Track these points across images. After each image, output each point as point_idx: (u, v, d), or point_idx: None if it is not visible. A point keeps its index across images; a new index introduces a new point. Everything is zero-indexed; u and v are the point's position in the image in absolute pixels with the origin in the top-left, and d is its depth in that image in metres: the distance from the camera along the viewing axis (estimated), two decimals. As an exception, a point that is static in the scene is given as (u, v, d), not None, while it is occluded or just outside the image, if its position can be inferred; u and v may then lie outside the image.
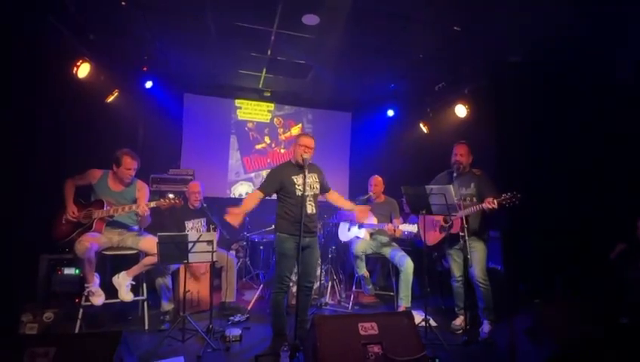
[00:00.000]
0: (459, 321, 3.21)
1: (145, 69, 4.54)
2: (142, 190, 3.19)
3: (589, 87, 3.19)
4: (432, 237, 3.34)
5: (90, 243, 2.80)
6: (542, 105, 3.62)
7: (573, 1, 2.73)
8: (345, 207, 3.11)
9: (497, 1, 2.93)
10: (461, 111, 4.34)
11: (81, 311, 2.91)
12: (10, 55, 2.86)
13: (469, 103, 4.30)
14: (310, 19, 3.33)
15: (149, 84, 4.65)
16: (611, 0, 2.72)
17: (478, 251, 3.07)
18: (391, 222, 3.76)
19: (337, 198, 3.06)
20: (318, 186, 2.86)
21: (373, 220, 3.81)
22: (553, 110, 3.52)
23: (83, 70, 3.57)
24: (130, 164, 3.06)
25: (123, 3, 3.14)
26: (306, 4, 3.11)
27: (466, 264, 2.89)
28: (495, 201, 2.80)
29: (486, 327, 3.04)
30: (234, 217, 2.61)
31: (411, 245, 4.21)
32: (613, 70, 3.01)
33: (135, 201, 3.12)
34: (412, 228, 3.50)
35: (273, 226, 2.92)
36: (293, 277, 3.20)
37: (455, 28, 3.39)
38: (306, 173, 2.65)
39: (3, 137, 2.89)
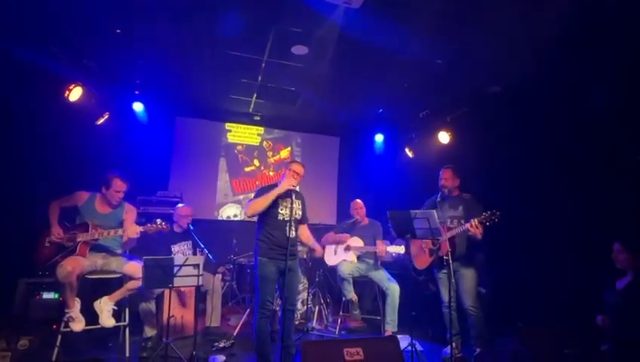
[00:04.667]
0: (449, 349, 3.11)
1: (137, 92, 4.61)
2: (129, 213, 3.19)
3: (564, 114, 3.40)
4: (422, 261, 3.38)
5: (72, 267, 2.75)
6: (519, 132, 3.82)
7: (549, 39, 2.96)
8: (308, 243, 3.10)
9: (477, 38, 3.14)
10: (444, 138, 4.52)
11: (59, 337, 2.81)
12: (8, 78, 2.92)
13: (452, 130, 4.48)
14: (299, 50, 3.50)
15: (137, 106, 4.70)
16: (583, 41, 2.96)
17: (467, 278, 3.10)
18: (374, 244, 3.81)
19: (305, 233, 3.04)
20: (300, 213, 2.90)
21: (359, 243, 3.85)
22: (530, 136, 3.71)
23: (75, 94, 3.61)
24: (120, 187, 3.06)
25: (118, 31, 3.24)
26: (296, 37, 3.27)
27: (451, 288, 2.93)
28: (476, 221, 2.88)
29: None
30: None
31: (399, 268, 4.24)
32: (587, 100, 3.22)
33: (121, 224, 3.11)
34: (399, 249, 3.55)
35: (253, 251, 2.90)
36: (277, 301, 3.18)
37: (437, 61, 3.59)
38: (294, 198, 2.70)
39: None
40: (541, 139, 3.63)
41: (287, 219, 2.69)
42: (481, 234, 2.92)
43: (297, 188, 2.84)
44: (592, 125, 3.19)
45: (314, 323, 3.93)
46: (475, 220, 2.88)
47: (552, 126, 3.54)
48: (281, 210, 2.76)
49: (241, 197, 5.79)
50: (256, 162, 5.92)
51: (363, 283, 4.14)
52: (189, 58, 3.77)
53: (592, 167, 3.19)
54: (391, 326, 3.54)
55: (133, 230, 2.90)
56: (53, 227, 2.93)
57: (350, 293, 3.74)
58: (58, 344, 2.80)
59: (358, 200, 4.11)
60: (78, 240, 2.91)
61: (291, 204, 2.68)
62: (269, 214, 2.75)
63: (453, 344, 3.00)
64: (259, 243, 2.77)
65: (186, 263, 2.76)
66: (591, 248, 3.05)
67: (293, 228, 2.75)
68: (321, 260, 4.27)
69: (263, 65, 3.86)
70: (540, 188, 3.58)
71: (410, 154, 5.33)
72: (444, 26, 3.00)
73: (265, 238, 2.74)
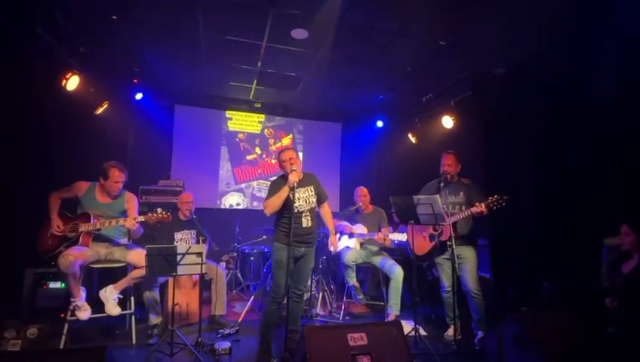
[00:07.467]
0: (451, 331, 3.19)
1: (135, 80, 4.55)
2: (131, 201, 3.17)
3: (570, 96, 3.31)
4: (422, 247, 3.36)
5: (74, 257, 2.76)
6: (525, 115, 3.73)
7: (554, 19, 2.86)
8: (328, 226, 3.16)
9: (481, 17, 3.04)
10: (448, 122, 4.43)
11: (66, 326, 2.85)
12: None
13: (456, 114, 4.40)
14: (299, 34, 3.41)
15: (139, 96, 4.65)
16: (588, 19, 2.85)
17: (469, 262, 3.10)
18: (380, 231, 3.79)
19: (327, 214, 3.11)
20: (314, 200, 2.87)
21: (363, 230, 3.84)
22: (536, 119, 3.63)
23: (72, 83, 3.56)
24: (118, 177, 3.04)
25: (114, 17, 3.17)
26: (295, 19, 3.18)
27: (455, 273, 2.92)
28: (483, 205, 2.86)
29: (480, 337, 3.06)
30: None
31: (402, 254, 4.23)
32: (590, 82, 3.13)
33: (123, 213, 3.10)
34: (402, 236, 3.53)
35: (265, 236, 2.95)
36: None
37: (441, 43, 3.49)
38: (295, 187, 2.67)
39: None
40: (547, 121, 3.55)
41: (302, 210, 2.75)
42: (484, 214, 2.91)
43: (299, 176, 2.79)
44: (600, 105, 3.09)
45: (318, 309, 3.95)
46: (482, 204, 2.85)
47: (557, 107, 3.45)
48: (295, 200, 2.74)
49: (243, 185, 5.77)
50: (258, 150, 5.88)
51: (366, 270, 4.15)
52: (186, 44, 3.69)
53: (600, 149, 3.12)
54: (395, 309, 3.55)
55: (129, 222, 2.89)
56: (53, 220, 2.92)
57: (353, 280, 3.75)
58: (65, 332, 2.83)
59: (363, 188, 4.07)
60: (81, 230, 2.91)
61: (293, 196, 2.67)
62: (284, 205, 2.75)
63: (453, 326, 3.01)
64: (276, 231, 2.83)
65: (189, 252, 2.77)
66: (599, 230, 3.01)
67: (308, 218, 2.80)
68: (325, 247, 4.28)
69: (262, 50, 3.78)
70: (546, 172, 3.51)
71: (413, 139, 5.26)
72: (447, 4, 2.90)
73: (281, 227, 2.78)
